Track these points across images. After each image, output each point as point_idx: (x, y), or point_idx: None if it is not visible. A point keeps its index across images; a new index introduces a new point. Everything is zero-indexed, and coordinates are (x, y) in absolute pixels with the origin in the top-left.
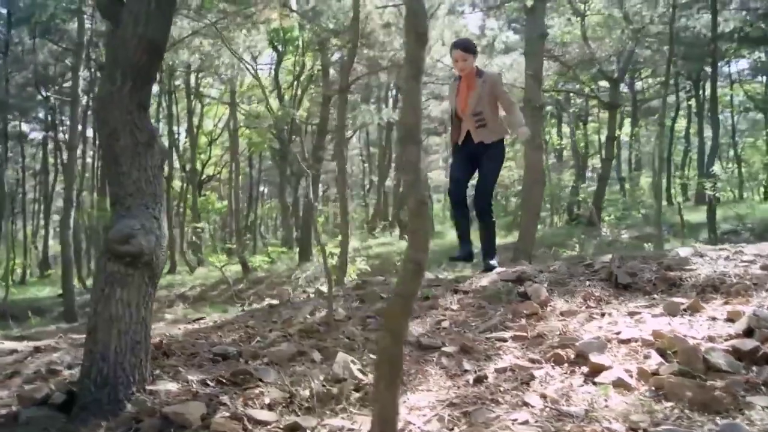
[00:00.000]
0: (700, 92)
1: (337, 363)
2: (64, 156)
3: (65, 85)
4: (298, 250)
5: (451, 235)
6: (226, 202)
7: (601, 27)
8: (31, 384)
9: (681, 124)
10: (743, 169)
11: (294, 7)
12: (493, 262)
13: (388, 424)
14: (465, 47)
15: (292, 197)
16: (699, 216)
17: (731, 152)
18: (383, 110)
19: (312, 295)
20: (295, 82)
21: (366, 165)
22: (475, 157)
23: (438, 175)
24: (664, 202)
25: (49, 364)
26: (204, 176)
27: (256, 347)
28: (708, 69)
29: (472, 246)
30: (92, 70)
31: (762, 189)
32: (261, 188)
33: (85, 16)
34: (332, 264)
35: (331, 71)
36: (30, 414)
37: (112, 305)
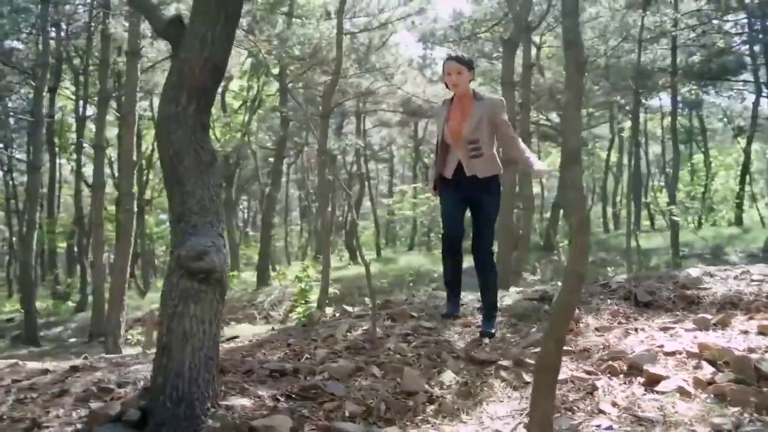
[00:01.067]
0: (637, 123)
1: (405, 377)
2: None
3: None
4: (256, 274)
5: (404, 260)
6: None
7: (550, 58)
8: (83, 402)
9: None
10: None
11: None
12: (494, 330)
13: (546, 427)
14: (460, 59)
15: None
16: (642, 242)
17: (652, 182)
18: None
19: (336, 315)
20: (246, 106)
21: (299, 191)
22: (468, 195)
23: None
24: (600, 229)
25: (96, 383)
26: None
27: (309, 364)
28: (643, 101)
29: (460, 300)
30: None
31: (697, 217)
32: None
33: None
34: (301, 288)
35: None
36: (106, 431)
37: (185, 322)
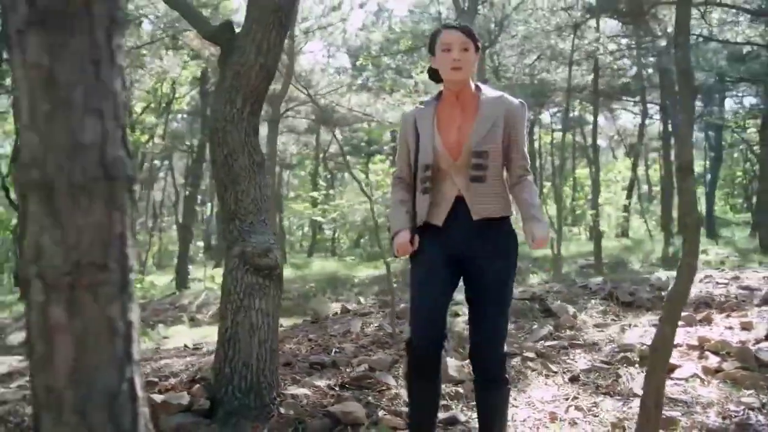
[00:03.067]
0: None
1: (450, 367)
2: None
3: None
4: (175, 276)
5: (318, 265)
6: None
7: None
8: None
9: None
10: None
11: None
12: None
13: (659, 403)
14: (466, 29)
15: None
16: (538, 252)
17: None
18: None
19: (338, 312)
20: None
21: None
22: (463, 254)
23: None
24: None
25: None
26: None
27: (345, 357)
28: (540, 116)
29: None
30: None
31: (585, 227)
32: None
33: None
34: None
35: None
36: (178, 420)
37: (252, 315)
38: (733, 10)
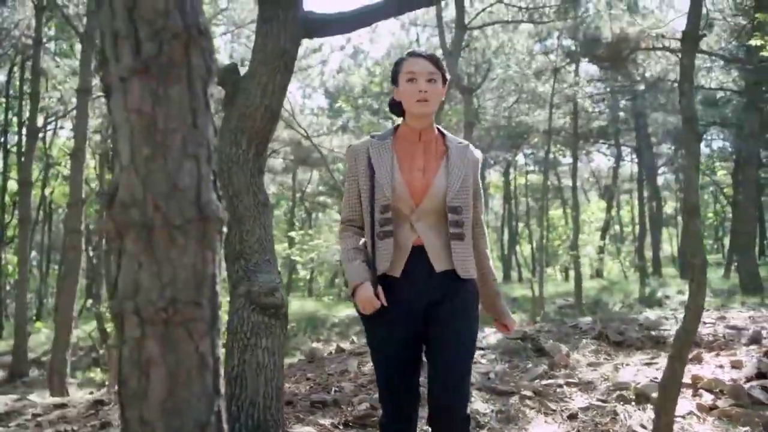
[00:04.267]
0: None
1: None
2: None
3: None
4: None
5: (297, 305)
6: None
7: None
8: None
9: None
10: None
11: None
12: None
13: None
14: (434, 58)
15: None
16: (519, 291)
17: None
18: None
19: (333, 352)
20: None
21: None
22: (424, 305)
23: None
24: None
25: None
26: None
27: (347, 396)
28: (516, 158)
29: None
30: None
31: (560, 268)
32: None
33: None
34: None
35: None
36: None
37: (258, 354)
38: (707, 56)
